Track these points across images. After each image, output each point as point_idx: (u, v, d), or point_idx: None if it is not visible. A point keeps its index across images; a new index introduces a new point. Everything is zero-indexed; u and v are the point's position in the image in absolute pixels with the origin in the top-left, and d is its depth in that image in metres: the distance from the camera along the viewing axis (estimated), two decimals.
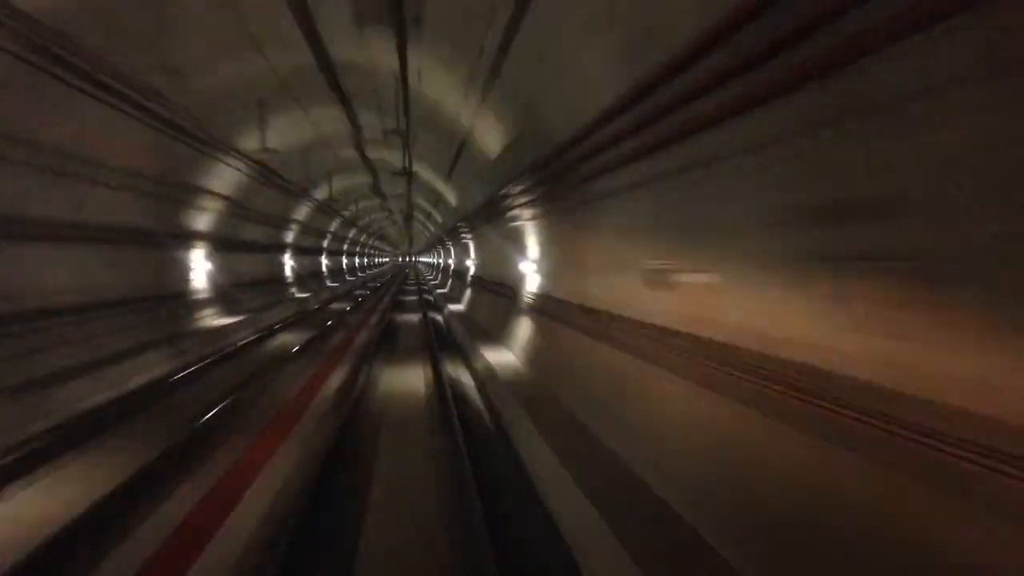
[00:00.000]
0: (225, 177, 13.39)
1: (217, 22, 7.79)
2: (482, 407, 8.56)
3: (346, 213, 30.47)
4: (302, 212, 23.21)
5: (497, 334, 12.68)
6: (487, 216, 13.37)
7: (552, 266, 10.03)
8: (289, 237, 24.02)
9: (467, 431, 7.08)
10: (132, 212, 10.55)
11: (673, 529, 3.95)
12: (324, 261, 35.29)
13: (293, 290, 24.68)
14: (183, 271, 13.50)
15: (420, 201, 27.67)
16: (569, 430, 6.11)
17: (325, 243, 33.87)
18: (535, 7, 5.79)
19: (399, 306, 24.10)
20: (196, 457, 5.97)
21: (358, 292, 32.55)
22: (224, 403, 7.78)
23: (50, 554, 4.05)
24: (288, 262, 25.11)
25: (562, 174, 7.36)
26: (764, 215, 3.82)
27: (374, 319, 18.49)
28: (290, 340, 14.23)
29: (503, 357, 10.38)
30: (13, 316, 7.51)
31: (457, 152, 12.78)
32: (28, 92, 6.64)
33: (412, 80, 9.62)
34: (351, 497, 5.30)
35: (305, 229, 25.62)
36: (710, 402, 4.37)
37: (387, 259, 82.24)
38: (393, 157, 16.78)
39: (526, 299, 11.48)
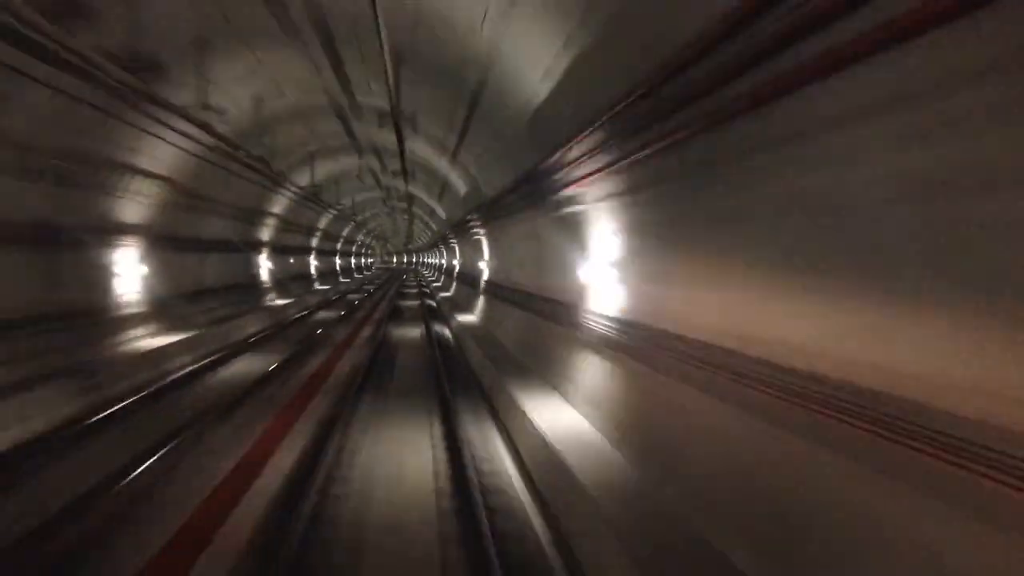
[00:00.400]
0: (282, 203, 19.94)
1: (302, 127, 14.33)
2: (450, 336, 15.09)
3: (358, 219, 37.03)
4: (324, 221, 29.81)
5: (466, 306, 19.25)
6: (461, 231, 19.89)
7: (494, 263, 16.55)
8: (314, 242, 30.58)
9: (440, 345, 13.61)
10: (232, 232, 17.07)
11: (511, 358, 10.45)
12: (337, 261, 41.91)
13: (317, 283, 31.25)
14: (256, 268, 20.04)
15: (418, 210, 34.25)
16: (489, 342, 12.62)
17: (338, 245, 40.45)
18: (470, 133, 12.17)
19: (402, 296, 30.61)
20: (306, 355, 12.48)
21: (367, 287, 39.05)
22: (312, 336, 14.32)
23: (267, 377, 10.54)
24: (313, 262, 31.69)
25: (493, 211, 13.84)
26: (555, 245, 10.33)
27: (384, 305, 25.00)
28: (331, 312, 20.75)
29: (468, 317, 16.91)
30: (198, 292, 14.10)
31: (441, 190, 19.32)
32: (220, 175, 13.13)
33: (410, 145, 16.18)
34: (389, 364, 11.80)
35: (326, 235, 32.19)
36: (537, 324, 10.88)
37: (390, 259, 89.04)
38: (398, 183, 23.38)
39: (483, 284, 18.01)
